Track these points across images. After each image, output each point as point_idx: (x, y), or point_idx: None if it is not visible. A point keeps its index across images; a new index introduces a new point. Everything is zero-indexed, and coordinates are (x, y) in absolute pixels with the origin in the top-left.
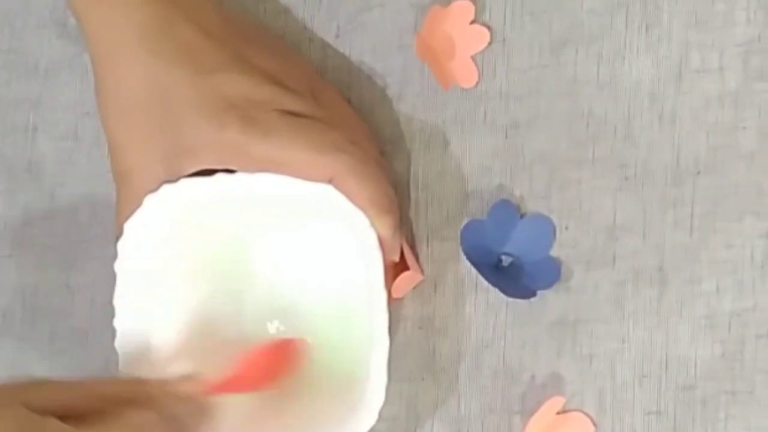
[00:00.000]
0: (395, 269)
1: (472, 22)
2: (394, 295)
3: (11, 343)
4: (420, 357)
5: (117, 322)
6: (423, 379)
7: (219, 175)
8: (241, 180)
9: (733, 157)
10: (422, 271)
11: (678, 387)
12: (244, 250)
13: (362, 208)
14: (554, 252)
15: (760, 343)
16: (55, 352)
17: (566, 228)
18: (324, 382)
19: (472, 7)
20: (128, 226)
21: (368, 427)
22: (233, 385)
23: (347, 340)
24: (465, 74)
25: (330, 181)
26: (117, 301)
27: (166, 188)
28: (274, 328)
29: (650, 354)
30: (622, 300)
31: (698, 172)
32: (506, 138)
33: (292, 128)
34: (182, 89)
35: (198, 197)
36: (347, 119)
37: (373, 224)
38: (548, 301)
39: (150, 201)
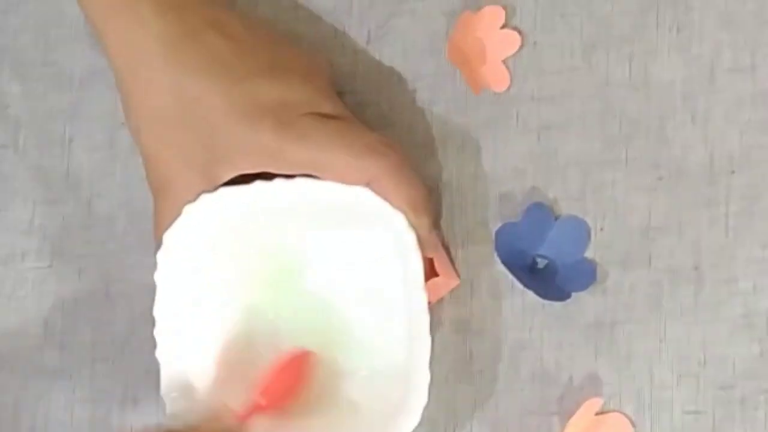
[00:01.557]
0: (428, 273)
1: (503, 27)
2: (429, 299)
3: (52, 352)
4: (457, 360)
5: (157, 334)
6: (461, 382)
7: (257, 183)
8: (279, 187)
9: (767, 156)
10: (458, 276)
11: (716, 386)
12: (285, 258)
13: (400, 210)
14: (589, 253)
15: None
16: (96, 360)
17: (601, 229)
18: (365, 386)
19: (503, 12)
20: (168, 237)
21: (411, 428)
22: (261, 407)
23: (387, 342)
24: (497, 78)
25: (367, 184)
26: (157, 313)
27: (205, 198)
28: (308, 337)
29: (688, 353)
30: (658, 300)
31: (732, 171)
32: (539, 141)
33: (328, 131)
34: (213, 97)
35: (237, 206)
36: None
37: (411, 225)
38: (584, 302)
39: (189, 211)
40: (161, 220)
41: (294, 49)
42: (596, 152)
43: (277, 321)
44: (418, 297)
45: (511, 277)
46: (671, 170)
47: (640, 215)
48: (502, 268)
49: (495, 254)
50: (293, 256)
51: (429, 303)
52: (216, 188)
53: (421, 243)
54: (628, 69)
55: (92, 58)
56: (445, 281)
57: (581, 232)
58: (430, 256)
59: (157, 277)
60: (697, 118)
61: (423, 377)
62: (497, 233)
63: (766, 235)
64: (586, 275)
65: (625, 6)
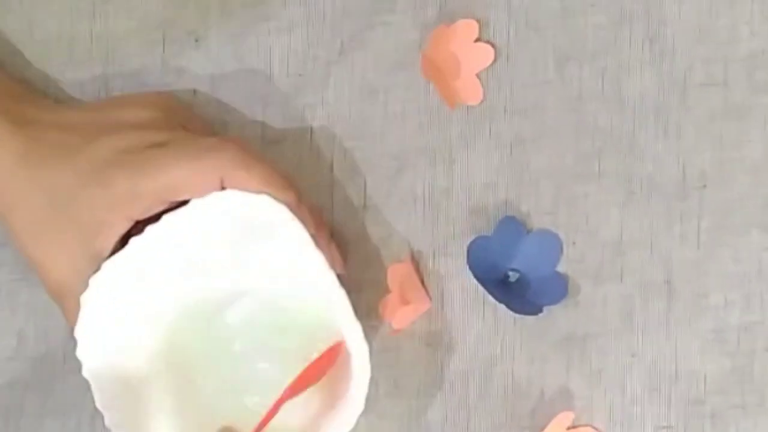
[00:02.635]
0: (403, 297)
1: (477, 40)
2: (397, 326)
3: (24, 364)
4: (428, 373)
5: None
6: (432, 396)
7: (131, 242)
8: (152, 235)
9: (739, 170)
10: (429, 299)
11: (688, 401)
12: (201, 297)
13: (261, 192)
14: (561, 267)
15: None
16: (68, 372)
17: (573, 243)
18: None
19: (477, 25)
20: (82, 315)
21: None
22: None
23: (313, 324)
24: (470, 92)
25: (222, 182)
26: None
27: (93, 281)
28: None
29: (660, 368)
30: (630, 314)
31: (704, 186)
32: (512, 154)
33: (166, 153)
34: (66, 178)
35: (126, 269)
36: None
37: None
38: (556, 316)
39: (84, 301)
40: (70, 320)
41: (122, 99)
42: (569, 166)
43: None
44: (313, 258)
45: (482, 290)
46: (643, 184)
47: (612, 229)
48: (474, 281)
49: (467, 267)
50: (202, 285)
51: (397, 330)
52: (100, 264)
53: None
54: (601, 83)
55: None
56: (415, 307)
57: (553, 245)
58: (311, 231)
59: (84, 371)
60: (670, 132)
61: (356, 332)
62: (469, 247)
63: (737, 250)
64: (558, 289)
65: (598, 20)
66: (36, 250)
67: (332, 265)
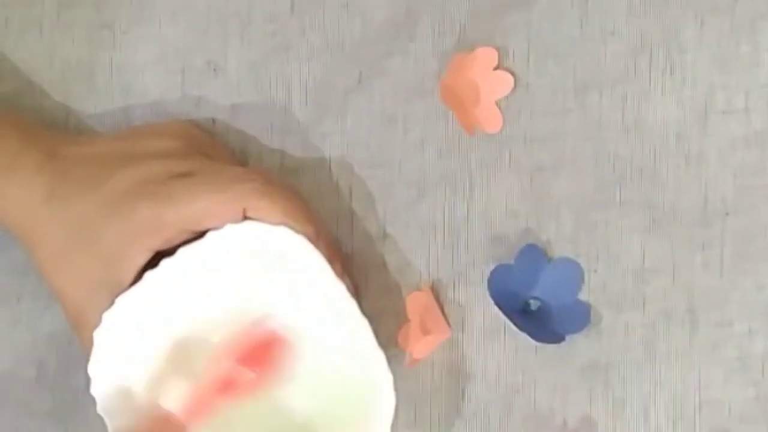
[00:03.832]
0: (423, 326)
1: (496, 68)
2: (417, 356)
3: (44, 395)
4: (449, 402)
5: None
6: (453, 425)
7: (146, 276)
8: (167, 269)
9: (761, 198)
10: (450, 328)
11: (712, 430)
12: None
13: (282, 224)
14: (583, 295)
15: None
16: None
17: (595, 271)
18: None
19: (496, 53)
20: (94, 351)
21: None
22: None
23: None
24: (490, 119)
25: (245, 214)
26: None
27: (120, 301)
28: None
29: (683, 397)
30: (653, 343)
31: (726, 213)
32: (532, 182)
33: (191, 183)
34: (88, 207)
35: (141, 304)
36: (238, 165)
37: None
38: (578, 345)
39: (108, 318)
40: (86, 351)
41: (144, 129)
42: (589, 193)
43: None
44: (334, 286)
45: (503, 319)
46: (665, 212)
47: (634, 257)
48: (494, 309)
49: (488, 296)
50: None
51: (416, 359)
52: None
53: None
54: (621, 110)
55: None
56: (435, 336)
57: (575, 274)
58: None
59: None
60: (691, 159)
61: (379, 359)
62: (491, 275)
63: (760, 278)
64: (579, 317)
65: (617, 47)
66: (58, 280)
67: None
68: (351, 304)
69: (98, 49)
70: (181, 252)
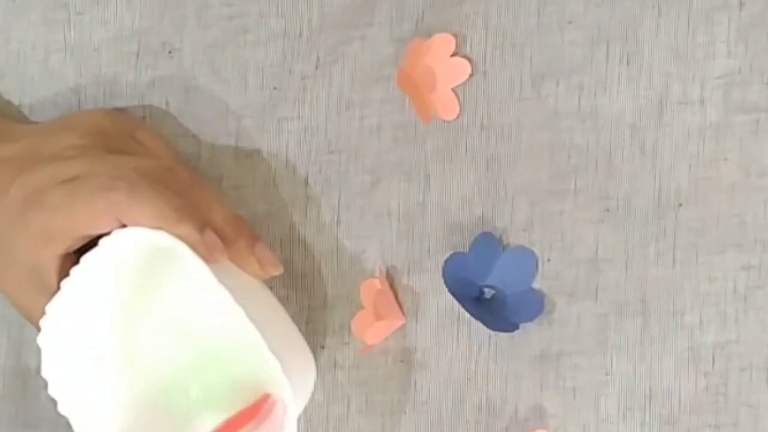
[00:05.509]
0: (377, 313)
1: (453, 55)
2: (369, 341)
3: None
4: (402, 390)
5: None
6: (405, 413)
7: (62, 285)
8: (76, 276)
9: (715, 189)
10: (403, 315)
11: (662, 420)
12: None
13: (158, 227)
14: (536, 284)
15: (743, 375)
16: (41, 385)
17: (548, 260)
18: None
19: (453, 40)
20: (43, 356)
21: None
22: None
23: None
24: (446, 107)
25: (121, 222)
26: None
27: (49, 309)
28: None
29: (634, 387)
30: (605, 332)
31: (680, 204)
32: (487, 170)
33: (69, 192)
34: (1, 220)
35: (67, 309)
36: (155, 146)
37: (175, 235)
38: (531, 333)
39: (45, 325)
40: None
41: (56, 124)
42: (544, 183)
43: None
44: (218, 293)
45: (457, 307)
46: (619, 202)
47: (588, 247)
48: (448, 297)
49: (442, 284)
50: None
51: (369, 345)
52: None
53: (200, 247)
54: (578, 100)
55: None
56: (389, 322)
57: (529, 262)
58: (219, 256)
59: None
60: (646, 150)
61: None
62: (445, 263)
63: (712, 269)
64: (533, 306)
65: (575, 37)
66: (3, 284)
67: (261, 271)
68: (238, 311)
69: (54, 30)
70: (83, 259)
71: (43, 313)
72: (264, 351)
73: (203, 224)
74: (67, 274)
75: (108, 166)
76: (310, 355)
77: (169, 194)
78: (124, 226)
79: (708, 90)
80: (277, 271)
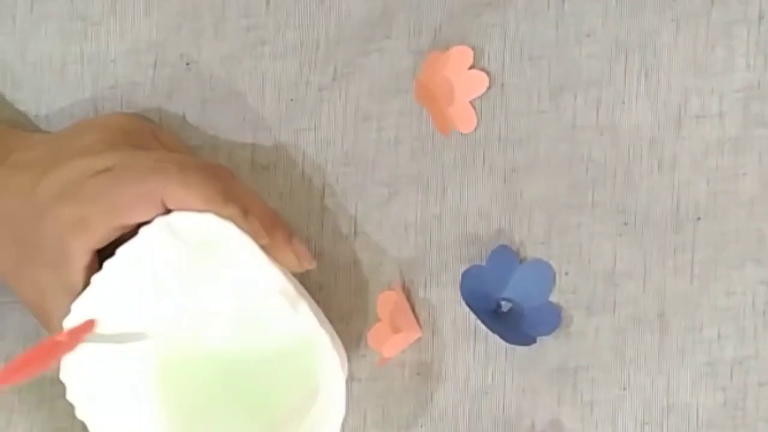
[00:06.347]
0: (393, 326)
1: (471, 67)
2: (386, 354)
3: (12, 388)
4: (418, 404)
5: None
6: (421, 426)
7: (92, 280)
8: (110, 269)
9: (734, 204)
10: (420, 328)
11: None
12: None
13: (203, 209)
14: (554, 298)
15: (762, 390)
16: (55, 397)
17: (566, 273)
18: (280, 400)
19: (471, 53)
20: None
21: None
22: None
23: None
24: (464, 119)
25: (166, 206)
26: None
27: (75, 307)
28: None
29: (651, 401)
30: (622, 346)
31: (698, 218)
32: (505, 183)
33: (108, 179)
34: (25, 221)
35: (95, 307)
36: (175, 148)
37: (221, 216)
38: (548, 347)
39: (68, 325)
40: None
41: (76, 126)
42: (562, 196)
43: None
44: (268, 272)
45: (474, 320)
46: (637, 216)
47: (606, 260)
48: (465, 310)
49: (459, 296)
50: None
51: (386, 357)
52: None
53: (245, 230)
54: (596, 113)
55: None
56: (406, 335)
57: (546, 276)
58: (262, 242)
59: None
60: (664, 164)
61: (332, 361)
62: (462, 275)
63: (730, 284)
64: (550, 320)
65: (593, 50)
66: (19, 290)
67: (298, 263)
68: (288, 287)
69: (70, 41)
70: (119, 251)
71: (67, 312)
72: (315, 326)
73: (246, 211)
74: (98, 269)
75: (144, 157)
76: (339, 341)
77: (214, 180)
78: (165, 214)
79: (727, 103)
80: (311, 265)
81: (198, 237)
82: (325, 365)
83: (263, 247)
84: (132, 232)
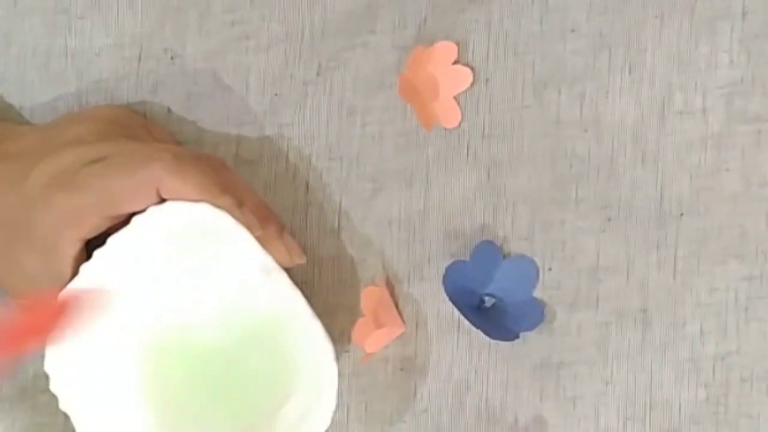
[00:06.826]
0: (377, 321)
1: (455, 63)
2: (369, 349)
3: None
4: (401, 398)
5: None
6: (405, 422)
7: (81, 270)
8: (99, 259)
9: (717, 199)
10: (403, 323)
11: (662, 430)
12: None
13: (198, 199)
14: (537, 293)
15: (744, 386)
16: (38, 392)
17: (549, 269)
18: (269, 389)
19: (456, 48)
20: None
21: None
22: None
23: (272, 333)
24: (448, 114)
25: (161, 195)
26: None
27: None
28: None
29: (634, 397)
30: (605, 342)
31: (681, 214)
32: (489, 178)
33: (102, 168)
34: (13, 210)
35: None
36: (166, 141)
37: (215, 206)
38: (531, 342)
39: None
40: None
41: (65, 118)
42: (546, 191)
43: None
44: (262, 262)
45: (457, 315)
46: (620, 211)
47: (589, 256)
48: (449, 305)
49: (443, 292)
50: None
51: (369, 353)
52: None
53: (239, 220)
54: (579, 108)
55: None
56: (389, 330)
57: (530, 271)
58: (256, 233)
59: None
60: (648, 159)
61: (326, 349)
62: (446, 271)
63: (713, 279)
64: (533, 315)
65: (577, 46)
66: (2, 275)
67: (289, 258)
68: (282, 278)
69: (55, 35)
70: (110, 240)
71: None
72: (308, 317)
73: (241, 202)
74: (87, 258)
75: (139, 147)
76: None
77: (209, 170)
78: (159, 203)
79: (710, 100)
80: (302, 260)
81: (192, 227)
82: (310, 343)
83: (256, 239)
84: (122, 223)
